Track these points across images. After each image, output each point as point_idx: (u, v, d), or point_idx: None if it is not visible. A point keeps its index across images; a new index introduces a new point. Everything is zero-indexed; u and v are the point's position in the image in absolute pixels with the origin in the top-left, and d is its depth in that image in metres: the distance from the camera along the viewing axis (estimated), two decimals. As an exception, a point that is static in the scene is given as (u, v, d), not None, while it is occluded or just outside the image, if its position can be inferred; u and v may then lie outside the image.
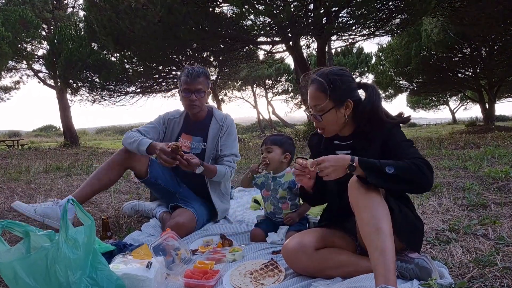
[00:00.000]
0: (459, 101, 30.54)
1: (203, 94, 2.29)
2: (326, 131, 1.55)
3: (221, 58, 12.24)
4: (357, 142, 1.52)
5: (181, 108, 2.48)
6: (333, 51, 19.34)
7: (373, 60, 23.20)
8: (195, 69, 2.27)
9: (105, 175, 2.24)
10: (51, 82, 16.91)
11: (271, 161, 2.04)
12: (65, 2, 18.04)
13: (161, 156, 2.02)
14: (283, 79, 27.35)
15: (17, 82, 17.93)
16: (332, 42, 14.93)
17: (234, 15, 9.45)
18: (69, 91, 14.66)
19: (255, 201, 2.83)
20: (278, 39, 10.46)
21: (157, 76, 13.25)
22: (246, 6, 7.34)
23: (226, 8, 9.79)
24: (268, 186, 2.09)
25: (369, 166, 1.26)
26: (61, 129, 19.17)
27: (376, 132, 1.46)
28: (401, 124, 1.49)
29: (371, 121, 1.47)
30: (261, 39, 10.68)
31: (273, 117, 29.34)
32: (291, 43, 10.10)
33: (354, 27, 9.60)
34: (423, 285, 1.30)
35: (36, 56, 16.25)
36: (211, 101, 15.12)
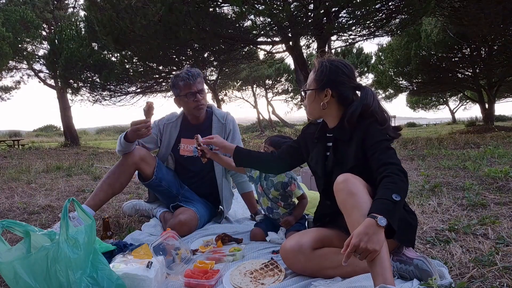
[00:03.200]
0: (458, 101, 30.54)
1: (204, 93, 2.29)
2: (307, 111, 1.62)
3: (221, 58, 12.23)
4: (339, 135, 1.52)
5: (177, 111, 2.45)
6: (333, 51, 19.35)
7: (373, 60, 23.22)
8: (190, 71, 2.24)
9: (117, 181, 2.22)
10: (52, 82, 16.93)
11: None
12: (66, 2, 18.06)
13: (133, 128, 2.02)
14: (283, 79, 27.36)
15: (18, 82, 17.96)
16: (332, 42, 14.94)
17: (234, 15, 9.46)
18: (70, 91, 14.67)
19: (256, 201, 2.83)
20: (278, 39, 10.46)
21: (157, 76, 13.24)
22: (246, 6, 7.33)
23: (227, 8, 9.80)
24: (262, 182, 2.08)
25: (387, 208, 1.17)
26: (62, 129, 19.19)
27: (356, 128, 1.45)
28: (399, 124, 1.49)
29: (360, 122, 1.45)
30: (261, 39, 10.68)
31: (273, 117, 29.38)
32: (291, 43, 10.10)
33: (354, 27, 9.60)
34: (423, 284, 1.30)
35: (37, 56, 16.26)
36: (210, 100, 15.11)
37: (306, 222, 2.12)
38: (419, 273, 1.34)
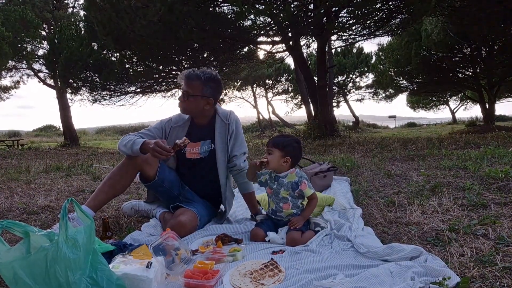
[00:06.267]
0: (459, 101, 30.56)
1: (186, 97, 2.21)
2: None
3: (221, 58, 12.22)
4: None
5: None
6: (333, 51, 19.35)
7: (373, 60, 23.23)
8: (192, 71, 2.22)
9: (119, 182, 2.20)
10: (51, 82, 16.92)
11: (270, 163, 2.04)
12: (65, 1, 18.06)
13: (155, 149, 1.97)
14: (283, 79, 27.39)
15: (17, 82, 17.95)
16: (332, 42, 14.95)
17: (234, 15, 9.46)
18: (69, 91, 14.66)
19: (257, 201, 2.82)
20: (278, 39, 10.47)
21: (157, 76, 13.24)
22: (246, 6, 7.33)
23: (227, 8, 9.81)
24: (271, 184, 2.09)
25: None
26: (61, 129, 19.19)
27: None
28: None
29: None
30: (261, 39, 10.69)
31: (273, 117, 29.39)
32: (291, 43, 10.10)
33: (354, 27, 9.62)
34: (434, 283, 1.29)
35: (36, 56, 16.24)
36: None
37: (308, 224, 2.11)
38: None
